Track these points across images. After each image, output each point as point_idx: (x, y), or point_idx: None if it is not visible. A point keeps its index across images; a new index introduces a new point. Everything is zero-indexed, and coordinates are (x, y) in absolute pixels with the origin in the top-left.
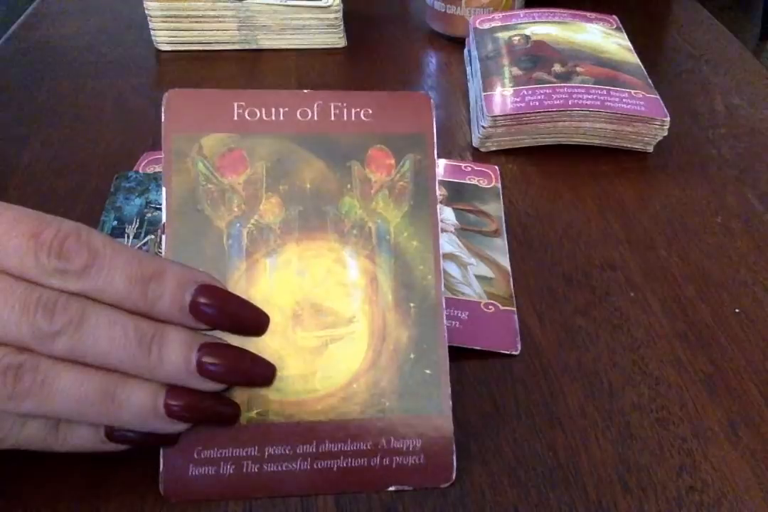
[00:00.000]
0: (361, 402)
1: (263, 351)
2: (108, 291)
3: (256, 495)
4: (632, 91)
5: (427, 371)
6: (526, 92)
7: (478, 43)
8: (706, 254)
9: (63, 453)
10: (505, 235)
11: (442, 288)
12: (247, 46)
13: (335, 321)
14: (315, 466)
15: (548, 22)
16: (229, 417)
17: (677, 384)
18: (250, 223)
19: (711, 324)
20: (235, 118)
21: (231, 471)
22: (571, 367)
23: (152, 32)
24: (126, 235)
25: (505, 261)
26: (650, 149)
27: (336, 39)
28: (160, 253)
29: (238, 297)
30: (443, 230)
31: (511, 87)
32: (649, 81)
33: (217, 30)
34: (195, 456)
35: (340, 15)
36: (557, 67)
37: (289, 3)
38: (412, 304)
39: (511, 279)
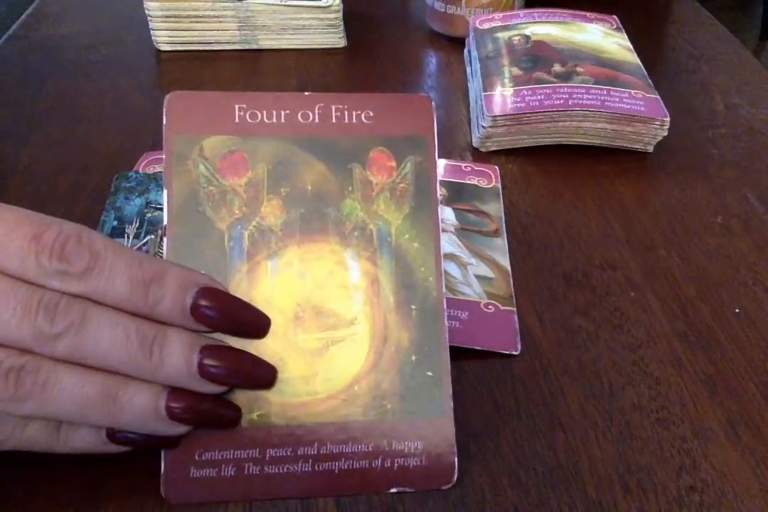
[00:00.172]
0: (362, 404)
1: (264, 353)
2: (109, 294)
3: (257, 497)
4: (632, 91)
5: (429, 373)
6: (526, 92)
7: (478, 43)
8: (706, 254)
9: (64, 454)
10: (505, 235)
11: (444, 290)
12: (247, 46)
13: (336, 323)
14: (316, 468)
15: (548, 22)
16: (230, 420)
17: (677, 384)
18: (251, 225)
19: (711, 324)
20: (237, 120)
21: (232, 473)
22: (571, 367)
23: (152, 32)
24: (126, 235)
25: (505, 261)
26: (650, 149)
27: (336, 39)
28: (161, 252)
29: (239, 300)
30: (443, 230)
31: (511, 87)
32: (649, 81)
33: (217, 30)
34: (196, 458)
35: (340, 15)
36: (557, 67)
37: (289, 3)
38: (413, 306)
39: (511, 279)
